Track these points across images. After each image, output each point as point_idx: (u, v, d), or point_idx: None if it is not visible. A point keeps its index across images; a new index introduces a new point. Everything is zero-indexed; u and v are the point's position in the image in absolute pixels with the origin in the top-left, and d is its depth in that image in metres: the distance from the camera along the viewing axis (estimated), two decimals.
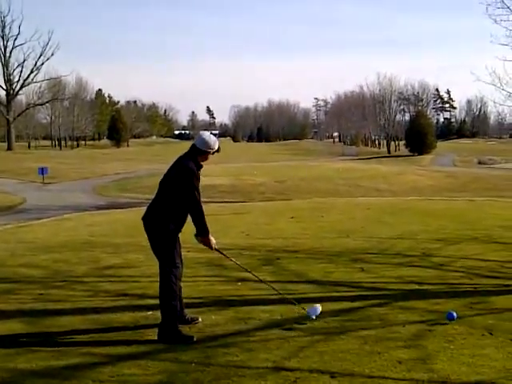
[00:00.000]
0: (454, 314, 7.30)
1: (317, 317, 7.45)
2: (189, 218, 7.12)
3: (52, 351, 6.52)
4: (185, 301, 7.41)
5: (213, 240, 7.21)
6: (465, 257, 11.68)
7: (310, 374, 5.64)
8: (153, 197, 7.25)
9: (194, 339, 6.79)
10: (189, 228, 7.17)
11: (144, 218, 7.15)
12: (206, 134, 7.28)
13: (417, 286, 9.35)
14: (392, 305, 8.27)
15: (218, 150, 7.29)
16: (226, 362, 6.03)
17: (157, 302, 7.19)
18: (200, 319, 7.51)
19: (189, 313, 7.52)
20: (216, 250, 7.39)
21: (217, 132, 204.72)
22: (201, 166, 7.16)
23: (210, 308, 8.18)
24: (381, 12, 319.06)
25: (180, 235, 7.16)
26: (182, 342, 6.73)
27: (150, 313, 7.87)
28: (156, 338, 6.85)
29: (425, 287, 9.30)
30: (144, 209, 7.37)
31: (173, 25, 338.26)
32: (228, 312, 7.96)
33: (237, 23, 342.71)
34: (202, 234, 7.13)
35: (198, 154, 7.13)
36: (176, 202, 6.97)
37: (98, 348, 6.62)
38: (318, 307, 7.53)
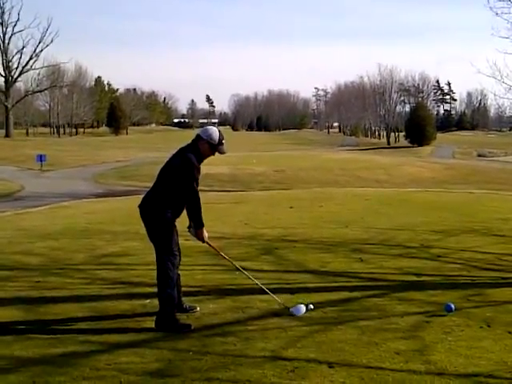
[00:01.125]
0: (452, 306, 7.31)
1: (314, 307, 7.44)
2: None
3: (49, 339, 6.51)
4: (183, 289, 7.40)
5: (205, 233, 7.18)
6: (463, 249, 11.68)
7: (308, 364, 5.64)
8: (152, 185, 7.21)
9: (192, 328, 6.78)
10: (187, 216, 7.15)
11: (140, 206, 7.12)
12: (214, 129, 7.23)
13: (415, 278, 9.35)
14: (390, 296, 8.27)
15: (221, 151, 7.21)
16: (224, 351, 6.03)
17: (154, 290, 7.18)
18: (198, 308, 7.51)
19: (186, 301, 7.51)
20: (207, 243, 7.37)
21: (216, 121, 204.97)
22: (202, 160, 7.11)
23: (208, 297, 8.18)
24: (382, 2, 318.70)
25: (177, 224, 7.14)
26: (179, 330, 6.72)
27: (148, 301, 7.87)
28: (153, 326, 6.84)
29: (423, 279, 9.30)
30: (142, 197, 7.33)
31: (173, 13, 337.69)
32: (226, 301, 7.96)
33: (239, 12, 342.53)
34: (197, 226, 7.11)
35: (201, 144, 7.07)
36: (174, 191, 6.94)
37: (94, 336, 6.62)
38: (302, 307, 7.41)
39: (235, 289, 8.62)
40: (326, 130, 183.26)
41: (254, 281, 7.79)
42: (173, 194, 6.95)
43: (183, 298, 7.43)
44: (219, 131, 7.20)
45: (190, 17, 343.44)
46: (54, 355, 5.99)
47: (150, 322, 6.92)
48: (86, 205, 24.35)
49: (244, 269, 8.06)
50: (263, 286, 7.71)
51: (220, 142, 7.13)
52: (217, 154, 7.23)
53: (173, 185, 6.94)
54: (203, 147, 7.08)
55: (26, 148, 75.91)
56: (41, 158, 55.00)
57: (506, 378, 5.34)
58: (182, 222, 7.15)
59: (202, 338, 6.47)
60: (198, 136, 7.13)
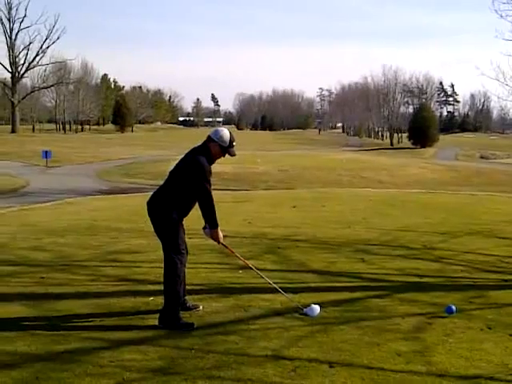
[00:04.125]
0: (454, 308, 7.33)
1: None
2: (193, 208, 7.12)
3: (52, 335, 6.54)
4: (186, 287, 7.43)
5: (220, 234, 7.19)
6: (466, 251, 11.69)
7: (309, 364, 5.67)
8: (156, 182, 7.26)
9: (195, 326, 6.82)
10: (192, 215, 7.18)
11: (148, 203, 7.14)
12: (225, 131, 7.23)
13: (417, 279, 9.36)
14: (392, 297, 8.29)
15: (231, 154, 7.23)
16: (226, 350, 6.06)
17: (158, 287, 7.22)
18: (201, 307, 7.53)
19: (190, 299, 7.55)
20: (222, 244, 7.38)
21: (221, 119, 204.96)
22: (213, 161, 7.13)
23: (211, 295, 8.20)
24: (388, 3, 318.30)
25: (184, 222, 7.16)
26: (182, 328, 6.76)
27: (151, 298, 7.90)
28: (157, 323, 6.87)
29: (425, 280, 9.31)
30: (147, 194, 7.36)
31: (180, 12, 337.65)
32: (229, 300, 7.99)
33: (245, 12, 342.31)
34: (212, 226, 7.11)
35: (212, 146, 7.07)
36: (182, 192, 6.94)
37: (98, 332, 6.65)
38: (317, 308, 7.39)
39: (238, 288, 8.64)
40: (328, 130, 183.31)
41: (267, 280, 7.81)
42: (181, 195, 6.97)
43: (186, 297, 7.46)
44: (230, 133, 7.18)
45: (196, 16, 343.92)
46: (58, 352, 6.02)
47: (154, 320, 6.95)
48: (91, 201, 24.40)
49: (247, 268, 8.10)
50: (277, 286, 7.75)
51: (231, 144, 7.14)
52: (227, 155, 7.24)
53: (181, 186, 6.95)
54: (214, 149, 7.10)
55: (31, 144, 76.10)
56: (46, 154, 55.10)
57: (507, 380, 5.37)
58: (188, 218, 7.17)
59: (204, 336, 6.50)
60: (208, 137, 7.13)
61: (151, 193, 7.35)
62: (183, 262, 7.02)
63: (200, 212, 7.02)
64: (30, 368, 5.58)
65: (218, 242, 7.26)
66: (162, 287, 7.10)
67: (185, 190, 6.95)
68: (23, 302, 7.95)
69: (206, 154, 7.03)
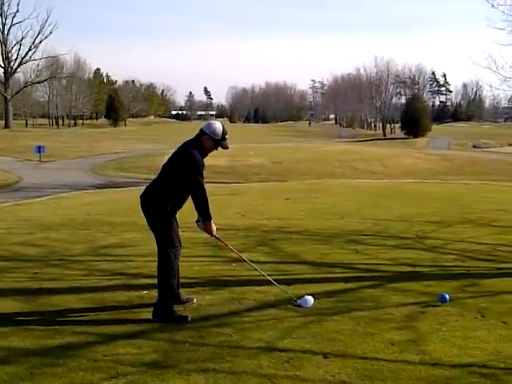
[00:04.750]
0: (447, 297, 7.35)
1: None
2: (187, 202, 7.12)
3: (46, 330, 6.53)
4: (180, 281, 7.43)
5: (214, 227, 7.17)
6: (459, 239, 11.73)
7: (303, 355, 5.67)
8: (150, 176, 7.25)
9: (189, 319, 6.82)
10: (186, 207, 7.18)
11: (142, 196, 7.13)
12: (218, 124, 7.23)
13: (410, 268, 9.40)
14: (385, 286, 8.30)
15: (224, 146, 7.21)
16: (220, 342, 6.07)
17: (152, 281, 7.23)
18: (195, 300, 7.53)
19: (183, 293, 7.55)
20: (215, 237, 7.38)
21: (214, 113, 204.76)
22: (205, 155, 7.13)
23: (205, 288, 8.21)
24: None
25: (177, 215, 7.16)
26: (176, 321, 6.76)
27: (145, 292, 7.91)
28: (150, 317, 6.87)
29: (418, 269, 9.35)
30: (141, 188, 7.35)
31: (171, 5, 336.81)
32: (222, 292, 7.99)
33: (236, 4, 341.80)
34: (205, 219, 7.11)
35: (205, 140, 7.07)
36: (175, 186, 6.93)
37: (92, 327, 6.64)
38: (310, 299, 7.40)
39: (232, 280, 8.66)
40: (321, 122, 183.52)
41: (260, 272, 7.82)
42: (174, 189, 6.96)
43: (180, 290, 7.46)
44: (223, 126, 7.18)
45: (188, 9, 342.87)
46: (52, 346, 6.01)
47: (147, 314, 6.95)
48: (85, 196, 24.40)
49: (241, 260, 8.11)
50: (270, 278, 7.75)
51: (223, 137, 7.13)
52: (220, 148, 7.23)
53: (174, 179, 6.94)
54: (207, 142, 7.10)
55: (24, 139, 75.88)
56: (39, 149, 55.06)
57: (501, 367, 5.38)
58: (181, 211, 7.16)
59: (198, 329, 6.50)
60: (201, 131, 7.13)
61: (144, 187, 7.35)
62: (177, 255, 7.01)
63: (193, 205, 7.02)
64: (25, 363, 5.58)
65: (212, 235, 7.26)
66: (155, 281, 7.10)
67: (178, 183, 6.95)
68: (17, 297, 7.94)
69: (198, 147, 7.02)
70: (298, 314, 7.03)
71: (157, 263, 7.07)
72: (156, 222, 7.02)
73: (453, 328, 6.44)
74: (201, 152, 7.00)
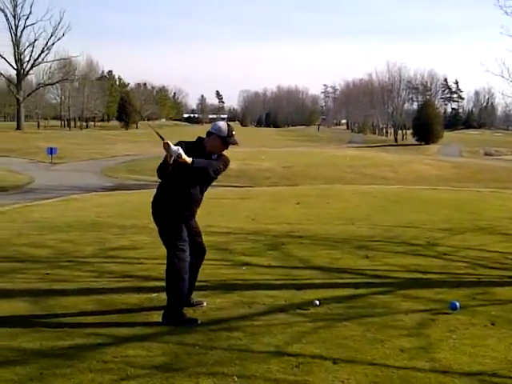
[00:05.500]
0: (457, 304, 7.32)
1: (320, 303, 7.47)
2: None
3: (56, 331, 6.55)
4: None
5: (186, 158, 6.74)
6: (469, 247, 11.68)
7: (312, 360, 5.66)
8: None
9: (199, 322, 6.82)
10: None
11: (152, 202, 7.16)
12: (222, 122, 7.26)
13: (421, 275, 9.37)
14: (395, 293, 8.29)
15: (233, 142, 7.20)
16: (229, 346, 6.06)
17: (161, 284, 7.22)
18: (205, 303, 7.54)
19: (194, 296, 7.55)
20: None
21: (225, 116, 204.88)
22: (209, 154, 7.11)
23: (215, 291, 8.21)
24: (392, 0, 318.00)
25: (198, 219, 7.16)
26: (186, 324, 6.76)
27: (155, 295, 7.91)
28: (160, 319, 6.88)
29: (429, 276, 9.31)
30: (152, 191, 7.36)
31: (186, 9, 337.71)
32: (232, 296, 7.99)
33: (250, 9, 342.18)
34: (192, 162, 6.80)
35: (212, 139, 7.08)
36: (177, 188, 6.96)
37: (102, 329, 6.65)
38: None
39: (242, 284, 8.67)
40: (332, 127, 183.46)
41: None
42: (177, 192, 6.97)
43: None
44: (228, 124, 7.22)
45: (202, 13, 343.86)
46: (62, 347, 6.03)
47: (157, 316, 6.96)
48: (96, 198, 24.43)
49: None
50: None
51: (230, 134, 7.14)
52: (230, 147, 7.23)
53: (176, 182, 6.96)
54: (213, 141, 7.11)
55: (36, 141, 76.19)
56: (51, 150, 55.24)
57: (510, 376, 5.35)
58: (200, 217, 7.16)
59: (208, 332, 6.50)
60: (207, 132, 7.17)
61: (155, 189, 7.36)
62: (184, 258, 6.98)
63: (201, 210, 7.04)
64: (35, 364, 5.59)
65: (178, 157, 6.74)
66: (165, 283, 7.11)
67: (179, 185, 6.96)
68: (27, 298, 7.96)
69: (197, 148, 7.07)
70: (307, 318, 7.02)
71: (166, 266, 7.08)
72: (163, 224, 7.05)
73: (463, 336, 6.41)
74: (201, 152, 7.02)
